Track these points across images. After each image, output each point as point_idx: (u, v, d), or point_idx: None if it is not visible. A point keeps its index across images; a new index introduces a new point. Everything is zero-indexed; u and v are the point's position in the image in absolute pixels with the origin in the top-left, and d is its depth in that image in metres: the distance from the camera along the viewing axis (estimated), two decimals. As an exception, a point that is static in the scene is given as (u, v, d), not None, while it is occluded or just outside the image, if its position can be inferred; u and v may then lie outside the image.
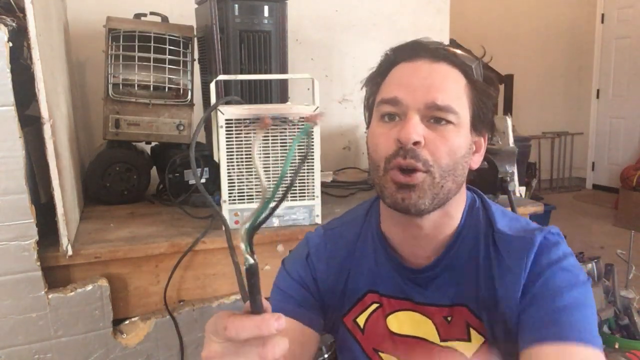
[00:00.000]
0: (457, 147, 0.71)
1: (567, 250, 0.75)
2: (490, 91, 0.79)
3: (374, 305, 0.81)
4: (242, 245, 0.46)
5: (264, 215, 0.45)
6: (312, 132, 0.51)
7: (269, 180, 1.33)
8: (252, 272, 0.46)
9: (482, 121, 0.77)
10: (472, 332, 0.75)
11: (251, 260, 0.45)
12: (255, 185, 1.37)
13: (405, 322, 0.79)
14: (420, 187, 0.69)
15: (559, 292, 0.70)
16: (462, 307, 0.75)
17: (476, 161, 0.78)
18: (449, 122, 0.70)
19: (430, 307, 0.77)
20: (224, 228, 1.40)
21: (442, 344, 0.76)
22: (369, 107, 0.80)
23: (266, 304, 0.48)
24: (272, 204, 0.44)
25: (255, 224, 0.45)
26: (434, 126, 0.70)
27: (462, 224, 0.77)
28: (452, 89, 0.72)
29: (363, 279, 0.82)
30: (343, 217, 0.92)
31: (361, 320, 0.82)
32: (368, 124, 0.79)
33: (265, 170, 1.36)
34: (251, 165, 1.34)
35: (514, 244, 0.74)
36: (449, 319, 0.76)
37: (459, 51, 0.77)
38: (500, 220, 0.78)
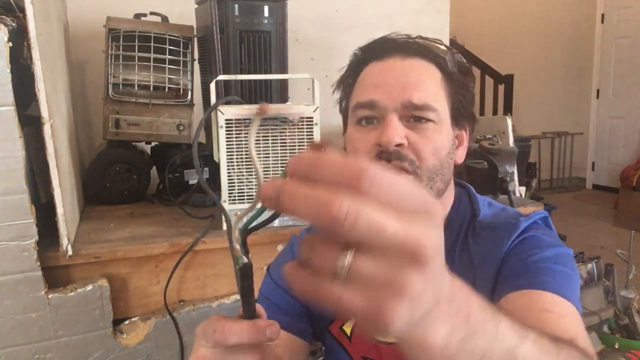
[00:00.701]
0: (441, 145, 0.69)
1: (554, 231, 0.74)
2: (467, 81, 0.76)
3: None
4: (236, 244, 0.43)
5: (263, 218, 0.41)
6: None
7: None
8: (246, 273, 0.43)
9: (462, 114, 0.74)
10: None
11: (245, 260, 0.43)
12: (255, 185, 1.37)
13: None
14: None
15: (537, 247, 0.68)
16: None
17: (460, 155, 0.76)
18: (429, 120, 0.68)
19: None
20: (224, 227, 1.40)
21: None
22: (342, 110, 0.77)
23: (260, 309, 0.45)
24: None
25: (251, 224, 0.43)
26: (414, 125, 0.68)
27: (447, 221, 0.75)
28: (429, 86, 0.70)
29: None
30: None
31: (348, 327, 0.79)
32: (344, 128, 0.76)
33: (265, 171, 1.36)
34: (251, 165, 1.34)
35: (497, 230, 0.72)
36: None
37: (430, 40, 0.75)
38: (485, 210, 0.76)
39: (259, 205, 0.37)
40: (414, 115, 0.68)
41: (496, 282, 0.68)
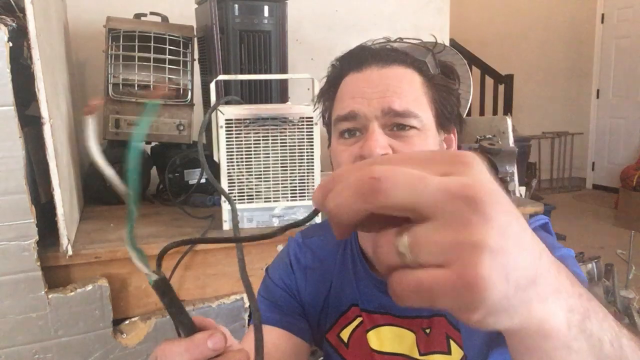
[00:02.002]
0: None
1: (554, 237, 0.73)
2: (450, 84, 0.74)
3: (358, 320, 0.77)
4: (136, 261, 0.36)
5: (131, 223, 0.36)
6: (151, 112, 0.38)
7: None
8: (162, 290, 0.38)
9: (448, 118, 0.72)
10: (452, 344, 0.71)
11: (154, 277, 0.37)
12: (256, 185, 1.37)
13: (386, 338, 0.75)
14: None
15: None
16: (440, 317, 0.71)
17: None
18: (412, 127, 0.66)
19: (410, 319, 0.73)
20: (225, 227, 1.39)
21: (422, 357, 0.72)
22: (326, 124, 0.75)
23: (203, 321, 0.43)
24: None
25: (132, 231, 0.36)
26: (397, 134, 0.66)
27: None
28: (408, 92, 0.68)
29: (346, 293, 0.78)
30: (322, 226, 0.88)
31: (345, 334, 0.78)
32: (329, 142, 0.75)
33: (265, 170, 1.36)
34: (251, 165, 1.34)
35: None
36: (428, 330, 0.72)
37: (410, 42, 0.74)
38: None
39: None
40: (396, 123, 0.66)
41: None
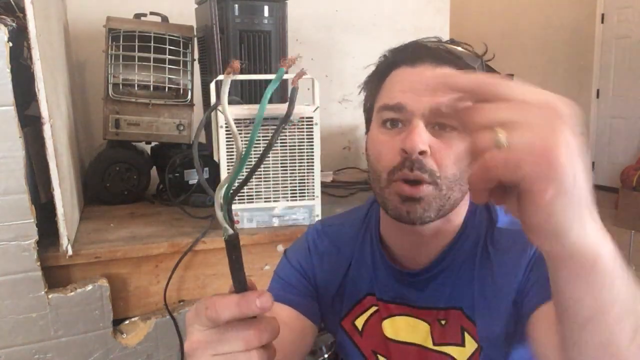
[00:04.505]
0: (463, 154, 0.68)
1: None
2: None
3: (373, 308, 0.80)
4: (219, 214, 0.40)
5: (242, 177, 0.39)
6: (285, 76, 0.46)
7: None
8: (233, 245, 0.42)
9: None
10: (467, 336, 0.73)
11: (230, 231, 0.41)
12: (256, 185, 1.37)
13: (401, 328, 0.77)
14: (426, 199, 0.66)
15: None
16: (457, 309, 0.73)
17: None
18: (453, 128, 0.67)
19: (426, 311, 0.75)
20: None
21: (436, 348, 0.74)
22: (367, 110, 0.77)
23: (252, 283, 0.45)
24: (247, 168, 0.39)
25: (232, 187, 0.40)
26: (438, 133, 0.67)
27: (464, 226, 0.75)
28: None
29: (362, 281, 0.81)
30: (342, 216, 0.91)
31: (360, 322, 0.81)
32: (367, 128, 0.76)
33: (265, 170, 1.36)
34: (251, 165, 1.34)
35: (518, 239, 0.71)
36: (443, 322, 0.74)
37: (460, 48, 0.75)
38: (502, 216, 0.75)
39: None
40: (440, 123, 0.67)
41: (521, 293, 0.68)
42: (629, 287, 0.42)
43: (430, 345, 0.75)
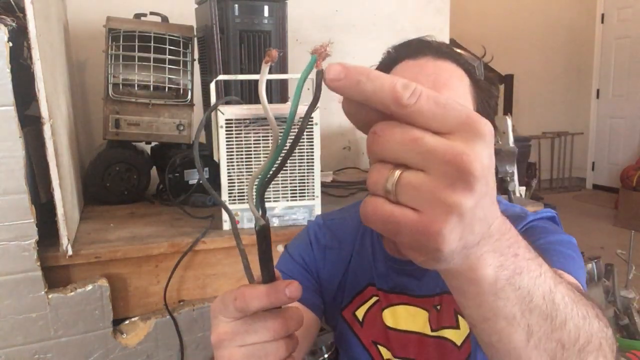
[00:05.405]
0: None
1: (561, 227, 0.75)
2: (493, 90, 0.78)
3: (374, 299, 0.82)
4: (252, 205, 0.41)
5: (275, 167, 0.39)
6: (319, 67, 0.41)
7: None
8: (264, 235, 0.42)
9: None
10: (461, 319, 0.75)
11: (262, 221, 0.41)
12: (255, 185, 1.37)
13: (401, 317, 0.79)
14: None
15: (542, 232, 0.70)
16: (449, 294, 0.74)
17: None
18: None
19: (424, 298, 0.78)
20: (225, 227, 1.40)
21: (433, 333, 0.76)
22: None
23: (277, 273, 0.45)
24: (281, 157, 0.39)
25: (266, 178, 0.40)
26: None
27: None
28: (458, 87, 0.72)
29: (363, 272, 0.82)
30: (343, 210, 0.93)
31: (360, 313, 0.83)
32: None
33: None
34: (251, 165, 1.34)
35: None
36: (438, 307, 0.76)
37: (462, 48, 0.77)
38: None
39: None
40: None
41: None
42: (520, 298, 0.39)
43: (429, 332, 0.77)
